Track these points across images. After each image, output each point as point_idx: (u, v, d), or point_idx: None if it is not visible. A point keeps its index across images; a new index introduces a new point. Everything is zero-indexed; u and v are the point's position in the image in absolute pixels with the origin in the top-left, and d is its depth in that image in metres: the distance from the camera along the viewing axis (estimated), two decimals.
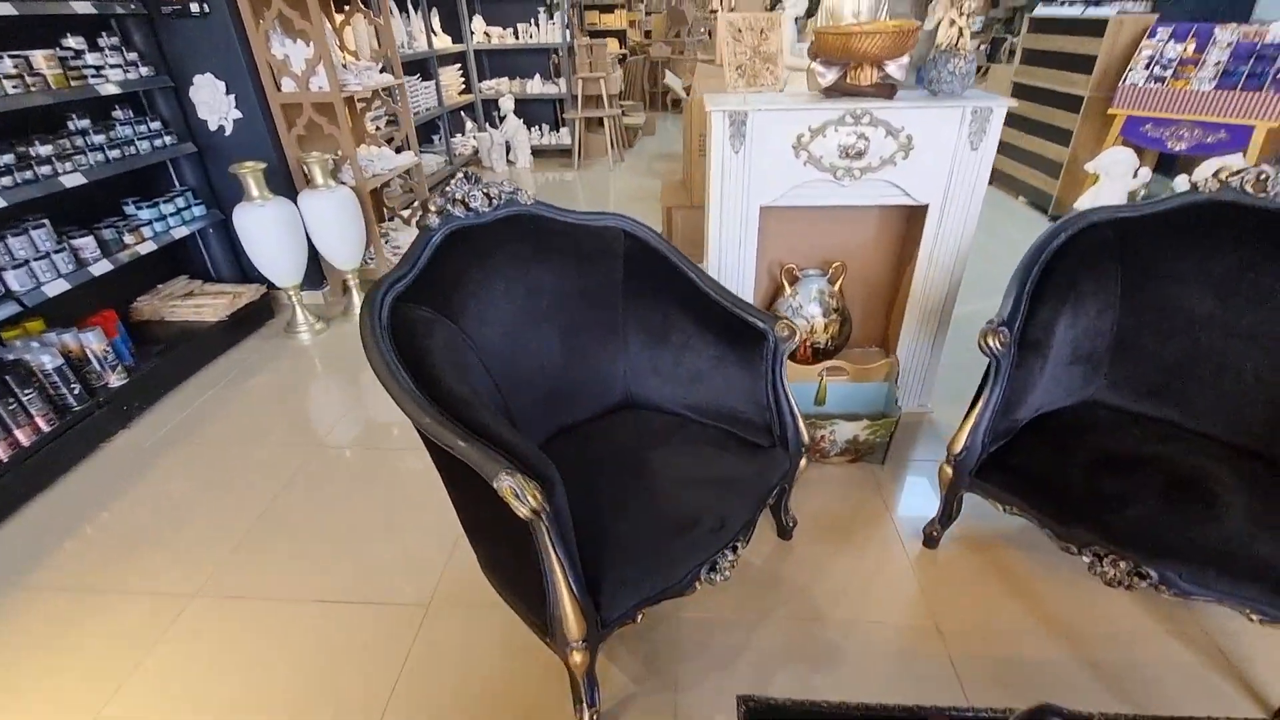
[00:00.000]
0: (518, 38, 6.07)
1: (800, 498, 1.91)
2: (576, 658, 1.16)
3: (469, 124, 6.27)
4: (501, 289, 1.50)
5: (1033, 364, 1.53)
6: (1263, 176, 1.48)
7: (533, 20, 6.02)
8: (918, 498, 1.95)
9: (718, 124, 1.86)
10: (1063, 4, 4.22)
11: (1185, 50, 3.35)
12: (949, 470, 1.59)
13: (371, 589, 1.69)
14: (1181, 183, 3.43)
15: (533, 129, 6.46)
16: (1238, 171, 1.52)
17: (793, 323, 1.54)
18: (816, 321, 2.19)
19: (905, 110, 1.82)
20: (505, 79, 6.25)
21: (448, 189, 1.51)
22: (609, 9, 8.58)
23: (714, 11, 11.44)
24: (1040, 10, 4.43)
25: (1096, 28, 3.75)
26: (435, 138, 5.85)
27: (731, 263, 2.07)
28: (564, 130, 6.45)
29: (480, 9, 6.18)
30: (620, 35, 8.38)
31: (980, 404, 1.52)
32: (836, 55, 1.79)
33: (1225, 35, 3.24)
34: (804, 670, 1.45)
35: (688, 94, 2.77)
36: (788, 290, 2.22)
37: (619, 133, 6.23)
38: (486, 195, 1.54)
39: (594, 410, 1.69)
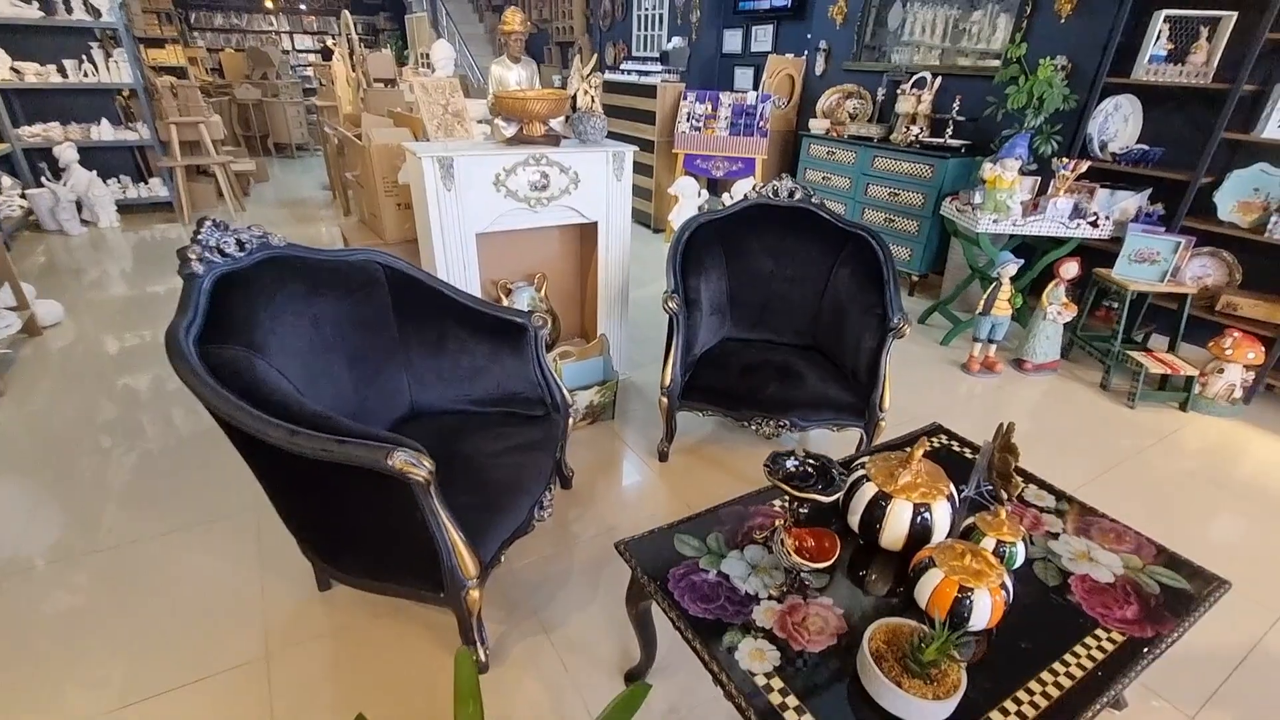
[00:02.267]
0: (66, 75, 4.99)
1: (573, 459, 2.37)
2: (474, 594, 1.42)
3: (4, 180, 4.89)
4: (290, 323, 1.59)
5: (695, 316, 2.30)
6: (774, 189, 2.53)
7: (84, 56, 5.03)
8: (642, 431, 2.60)
9: (429, 168, 2.19)
10: (624, 71, 5.59)
11: (707, 109, 4.89)
12: (664, 400, 2.26)
13: (193, 666, 1.54)
14: (727, 198, 4.98)
15: (109, 181, 5.37)
16: (764, 186, 2.55)
17: (543, 314, 2.00)
18: None
19: (570, 154, 2.44)
20: (56, 124, 5.06)
21: (200, 236, 1.52)
22: (158, 43, 7.51)
23: (327, 51, 10.98)
24: (607, 76, 5.76)
25: (650, 90, 5.13)
26: None
27: (459, 284, 2.41)
28: (155, 181, 5.54)
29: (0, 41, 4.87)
30: (178, 73, 7.41)
31: (672, 349, 2.22)
32: (515, 114, 2.31)
33: (726, 99, 4.85)
34: (618, 563, 1.93)
35: (360, 139, 2.93)
36: (505, 301, 2.65)
37: (232, 181, 5.66)
38: (239, 241, 1.60)
39: (386, 424, 1.86)
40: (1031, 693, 1.05)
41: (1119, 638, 1.17)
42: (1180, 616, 1.22)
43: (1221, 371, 2.95)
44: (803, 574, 1.20)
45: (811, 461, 1.27)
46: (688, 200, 4.92)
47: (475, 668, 0.97)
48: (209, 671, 1.56)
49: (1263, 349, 2.88)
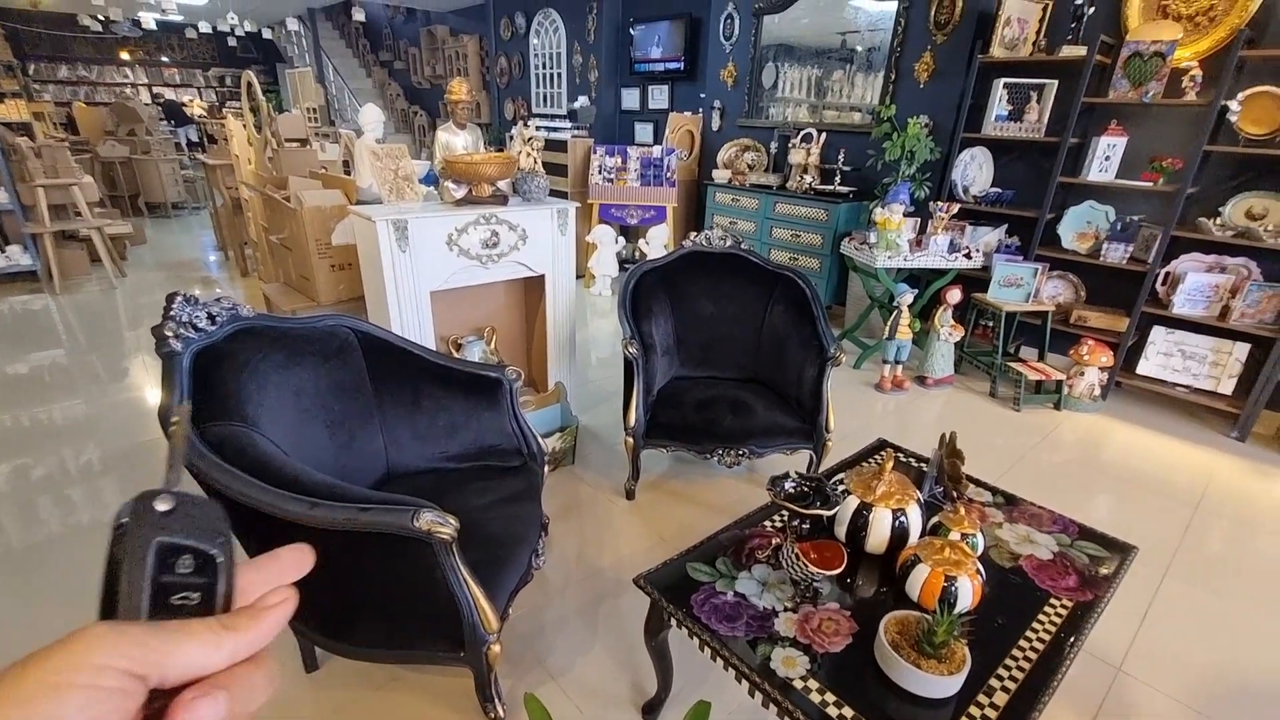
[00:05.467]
0: None
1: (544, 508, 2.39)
2: (495, 649, 1.43)
3: None
4: (274, 394, 1.56)
5: (652, 358, 2.44)
6: (707, 238, 2.76)
7: None
8: (604, 472, 2.68)
9: (383, 231, 2.21)
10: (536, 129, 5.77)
11: (617, 161, 5.15)
12: (630, 440, 2.36)
13: None
14: (643, 243, 5.22)
15: None
16: (698, 235, 2.77)
17: (516, 367, 2.05)
18: None
19: (517, 212, 2.54)
20: None
21: (173, 312, 1.48)
22: None
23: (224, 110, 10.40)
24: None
25: (562, 145, 5.34)
26: None
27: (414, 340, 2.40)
28: (14, 249, 4.98)
29: None
30: (24, 129, 6.76)
31: (634, 391, 2.34)
32: (466, 177, 2.38)
33: (634, 152, 5.14)
34: (611, 601, 1.97)
35: (289, 201, 2.86)
36: (455, 355, 2.66)
37: (109, 245, 5.20)
38: (209, 315, 1.56)
39: (364, 487, 1.83)
40: (1015, 659, 1.24)
41: (1069, 603, 1.40)
42: (1109, 579, 1.48)
43: (1083, 374, 3.48)
44: (815, 583, 1.33)
45: (807, 482, 1.42)
46: (605, 247, 5.12)
47: (542, 705, 1.01)
48: None
49: (1111, 353, 3.44)
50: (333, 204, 2.86)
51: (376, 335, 1.88)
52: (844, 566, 1.33)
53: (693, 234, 2.72)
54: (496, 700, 1.53)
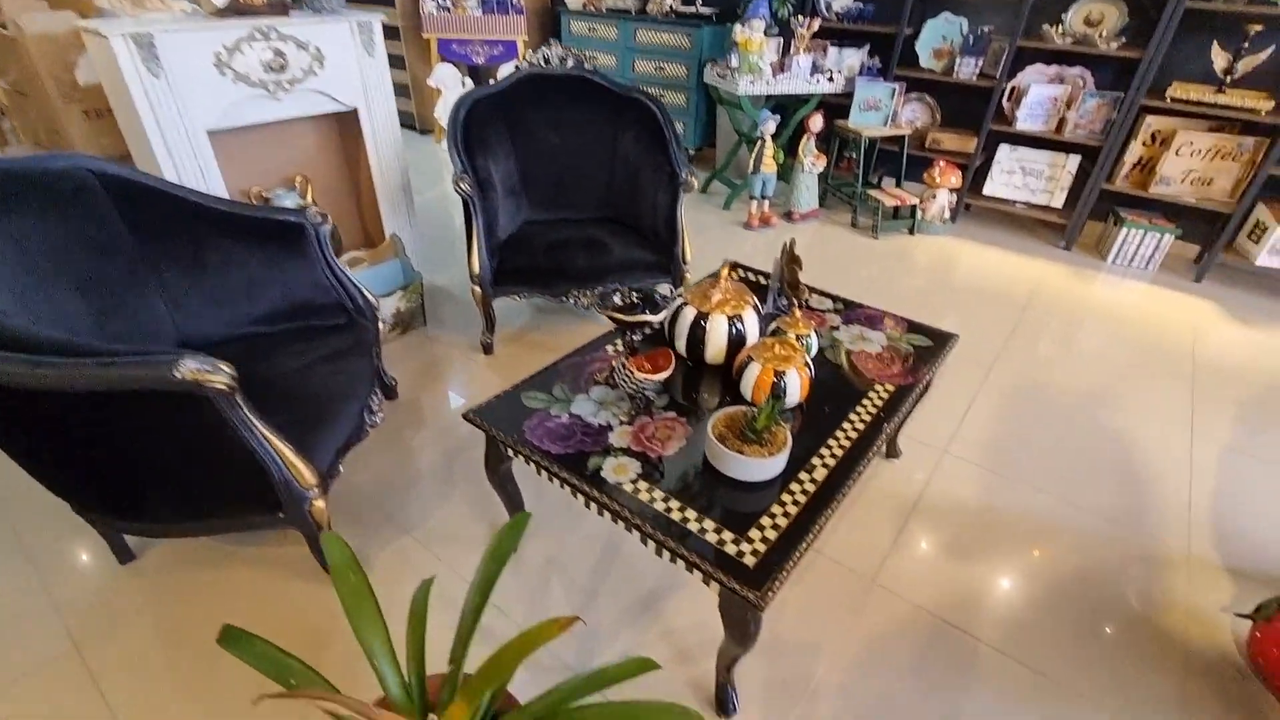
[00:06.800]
0: None
1: (393, 370, 2.20)
2: (319, 505, 1.32)
3: None
4: None
5: (490, 197, 2.21)
6: (545, 57, 2.44)
7: None
8: (461, 330, 2.51)
9: (123, 52, 1.76)
10: None
11: None
12: (478, 289, 2.19)
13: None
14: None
15: None
16: (534, 54, 2.44)
17: (322, 210, 1.78)
18: None
19: (305, 25, 2.10)
20: None
21: None
22: None
23: None
24: None
25: None
26: None
27: None
28: None
29: None
30: None
31: (475, 233, 2.13)
32: None
33: None
34: (469, 453, 1.90)
35: (5, 29, 2.22)
36: None
37: None
38: None
39: None
40: (837, 439, 1.28)
41: (891, 388, 1.46)
42: (929, 363, 1.55)
43: (934, 197, 3.59)
44: (646, 392, 1.29)
45: (636, 294, 1.33)
46: (450, 92, 4.56)
47: (344, 542, 0.92)
48: (18, 674, 1.29)
49: (960, 174, 3.55)
50: (67, 28, 2.25)
51: (125, 177, 1.53)
52: (672, 369, 1.28)
53: (529, 52, 2.39)
54: None
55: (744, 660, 1.33)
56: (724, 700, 1.24)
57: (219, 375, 1.09)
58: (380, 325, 2.32)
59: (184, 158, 1.96)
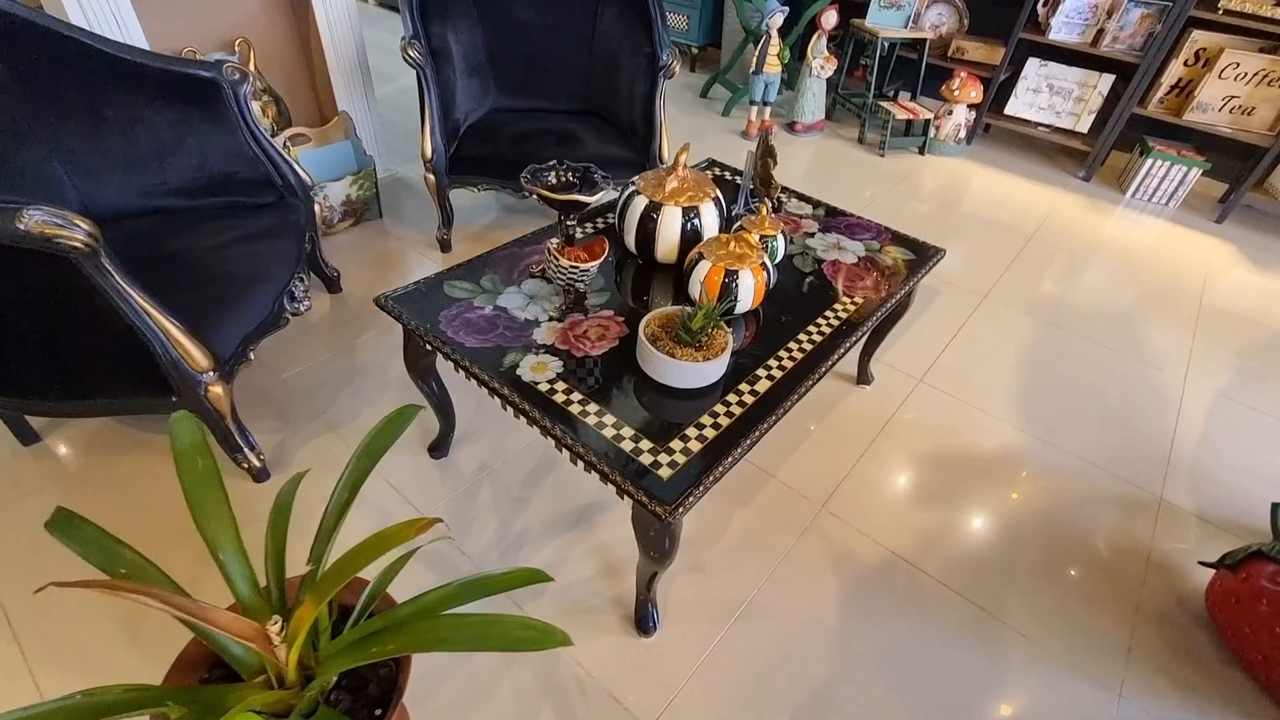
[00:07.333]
0: None
1: (339, 262, 2.05)
2: (215, 390, 1.20)
3: None
4: None
5: (446, 71, 1.98)
6: None
7: None
8: (419, 226, 2.34)
9: None
10: None
11: None
12: (430, 176, 2.00)
13: None
14: None
15: None
16: None
17: (241, 65, 1.57)
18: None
19: None
20: None
21: None
22: None
23: None
24: None
25: None
26: None
27: None
28: None
29: None
30: None
31: (427, 111, 1.92)
32: None
33: None
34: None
35: None
36: None
37: None
38: None
39: None
40: (789, 350, 1.15)
41: (860, 300, 1.31)
42: (907, 276, 1.39)
43: (950, 113, 3.31)
44: (577, 284, 1.15)
45: (573, 173, 1.16)
46: None
47: (196, 423, 0.81)
48: None
49: (981, 88, 3.25)
50: None
51: (6, 10, 1.32)
52: (605, 257, 1.13)
53: None
54: (247, 450, 1.34)
55: (677, 579, 1.26)
56: (643, 618, 1.17)
57: (74, 231, 0.94)
58: (328, 212, 2.16)
59: (95, 5, 1.72)
